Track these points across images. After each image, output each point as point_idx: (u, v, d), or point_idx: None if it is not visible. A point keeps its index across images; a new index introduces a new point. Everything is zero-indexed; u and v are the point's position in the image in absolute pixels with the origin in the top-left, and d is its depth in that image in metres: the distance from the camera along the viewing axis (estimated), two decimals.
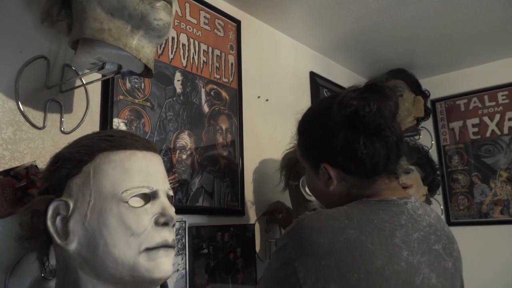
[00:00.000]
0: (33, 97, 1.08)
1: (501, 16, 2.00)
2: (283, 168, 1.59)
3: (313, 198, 1.49)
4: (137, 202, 0.80)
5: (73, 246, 0.78)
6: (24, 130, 1.06)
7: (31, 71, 1.08)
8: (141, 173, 0.82)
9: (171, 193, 0.87)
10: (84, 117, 1.18)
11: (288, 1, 1.80)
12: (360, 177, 0.92)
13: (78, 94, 1.18)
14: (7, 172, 0.99)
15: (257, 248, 1.68)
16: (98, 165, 0.81)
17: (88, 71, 1.04)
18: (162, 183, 0.84)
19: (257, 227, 1.70)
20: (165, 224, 0.80)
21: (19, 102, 1.05)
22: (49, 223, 0.79)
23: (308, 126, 1.01)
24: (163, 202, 0.82)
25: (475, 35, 2.21)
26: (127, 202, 0.79)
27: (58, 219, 0.80)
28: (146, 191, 0.81)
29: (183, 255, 1.37)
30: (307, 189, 1.49)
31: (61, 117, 1.13)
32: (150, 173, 0.83)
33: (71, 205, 0.79)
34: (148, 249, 0.78)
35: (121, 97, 1.27)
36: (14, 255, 0.98)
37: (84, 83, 1.15)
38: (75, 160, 0.82)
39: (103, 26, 0.88)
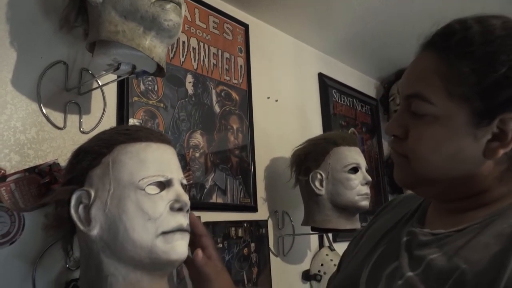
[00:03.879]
0: (53, 99, 1.15)
1: None
2: (293, 165, 1.64)
3: (322, 192, 1.54)
4: (153, 189, 0.86)
5: (95, 231, 0.84)
6: (47, 131, 1.13)
7: (51, 75, 1.15)
8: (156, 163, 0.88)
9: (184, 182, 0.92)
10: (101, 117, 1.25)
11: (293, 5, 1.85)
12: None
13: (96, 96, 1.25)
14: (32, 170, 1.05)
15: (270, 243, 1.72)
16: (116, 156, 0.87)
17: (104, 72, 1.10)
18: (175, 172, 0.90)
19: (269, 223, 1.74)
20: (180, 209, 0.86)
21: (41, 105, 1.12)
22: (72, 211, 0.85)
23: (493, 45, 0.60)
24: (178, 190, 0.88)
25: None
26: (143, 189, 0.84)
27: (81, 207, 0.86)
28: (161, 179, 0.87)
29: None
30: (316, 183, 1.54)
31: (80, 118, 1.20)
32: (164, 163, 0.89)
33: (93, 194, 0.85)
34: (164, 233, 0.83)
35: (135, 98, 1.34)
36: (41, 247, 1.05)
37: (100, 84, 1.22)
38: (95, 152, 0.88)
39: (117, 28, 0.95)
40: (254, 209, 1.68)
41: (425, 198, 0.77)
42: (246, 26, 1.85)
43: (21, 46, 1.11)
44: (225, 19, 1.76)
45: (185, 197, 0.87)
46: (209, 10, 1.69)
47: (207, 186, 1.51)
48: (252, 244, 1.62)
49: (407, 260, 0.64)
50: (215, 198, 1.53)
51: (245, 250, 1.59)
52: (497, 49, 0.59)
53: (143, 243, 0.82)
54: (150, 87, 1.40)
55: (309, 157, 1.58)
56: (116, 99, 1.31)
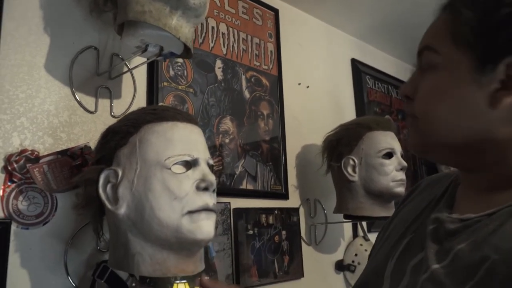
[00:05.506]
0: (85, 84, 1.17)
1: None
2: (325, 151, 1.60)
3: (355, 178, 1.49)
4: (179, 169, 0.85)
5: (122, 210, 0.84)
6: (78, 114, 1.15)
7: (83, 60, 1.17)
8: (182, 142, 0.87)
9: (211, 162, 0.91)
10: (132, 102, 1.25)
11: None
12: None
13: (126, 81, 1.26)
14: (64, 152, 1.07)
15: (302, 232, 1.70)
16: (143, 135, 0.87)
17: (132, 55, 1.10)
18: (202, 152, 0.89)
19: (301, 211, 1.71)
20: (206, 189, 0.85)
21: (73, 89, 1.14)
22: (100, 190, 0.86)
23: None
24: (204, 169, 0.87)
25: None
26: (170, 168, 0.84)
27: (109, 186, 0.86)
28: (187, 158, 0.86)
29: (229, 235, 1.42)
30: (349, 169, 1.50)
31: (111, 102, 1.21)
32: (191, 143, 0.88)
33: (120, 173, 0.86)
34: (190, 212, 0.83)
35: (165, 83, 1.34)
36: (73, 228, 1.06)
37: (130, 68, 1.23)
38: (123, 132, 0.89)
39: (144, 9, 0.95)
40: (285, 196, 1.66)
41: (452, 179, 0.70)
42: (275, 11, 1.82)
43: (53, 31, 1.13)
44: (254, 4, 1.73)
45: (211, 177, 0.86)
46: None
47: (237, 172, 1.50)
48: (283, 232, 1.60)
49: (434, 251, 0.58)
50: (246, 185, 1.52)
51: (276, 238, 1.57)
52: None
53: (169, 222, 0.82)
54: (179, 72, 1.40)
55: (341, 143, 1.54)
56: (146, 84, 1.31)
